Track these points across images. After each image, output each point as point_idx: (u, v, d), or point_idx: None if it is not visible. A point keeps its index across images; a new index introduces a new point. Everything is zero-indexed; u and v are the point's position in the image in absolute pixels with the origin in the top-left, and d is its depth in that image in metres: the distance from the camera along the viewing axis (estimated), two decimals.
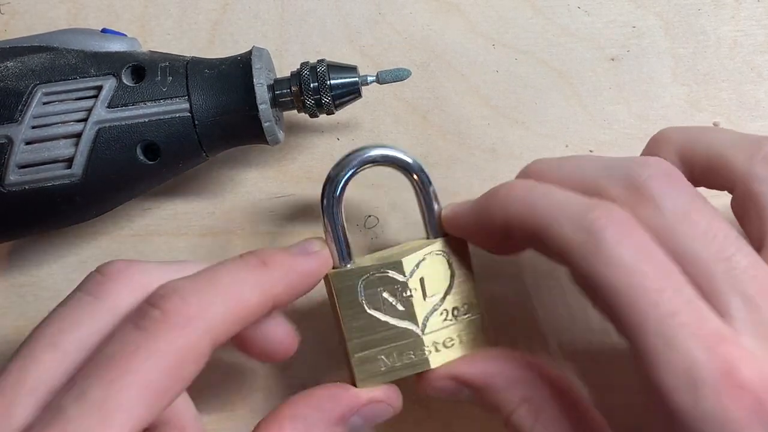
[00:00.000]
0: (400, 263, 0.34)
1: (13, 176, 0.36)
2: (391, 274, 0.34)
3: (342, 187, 0.34)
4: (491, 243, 0.34)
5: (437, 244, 0.35)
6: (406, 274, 0.35)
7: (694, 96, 0.42)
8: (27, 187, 0.36)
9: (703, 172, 0.33)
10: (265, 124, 0.37)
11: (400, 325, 0.34)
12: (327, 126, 0.42)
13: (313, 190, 0.42)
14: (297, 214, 0.42)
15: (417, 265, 0.35)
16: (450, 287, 0.35)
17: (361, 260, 0.35)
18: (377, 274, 0.34)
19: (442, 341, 0.35)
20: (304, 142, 0.42)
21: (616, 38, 0.42)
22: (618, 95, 0.42)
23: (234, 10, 0.43)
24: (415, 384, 0.35)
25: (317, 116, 0.39)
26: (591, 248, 0.28)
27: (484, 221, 0.33)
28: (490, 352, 0.35)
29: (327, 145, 0.42)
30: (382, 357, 0.34)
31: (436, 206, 0.35)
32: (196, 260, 0.33)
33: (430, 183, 0.35)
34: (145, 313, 0.28)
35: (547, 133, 0.42)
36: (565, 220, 0.29)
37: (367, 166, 0.35)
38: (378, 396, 0.34)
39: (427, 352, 0.35)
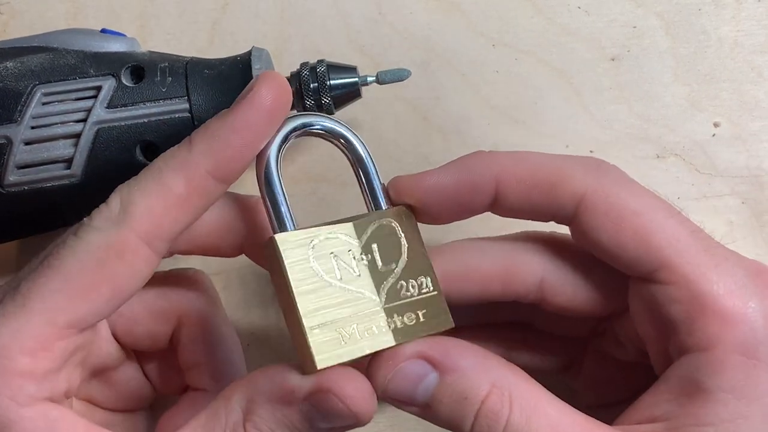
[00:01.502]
0: (351, 227, 0.32)
1: (12, 177, 0.36)
2: (343, 237, 0.31)
3: (276, 156, 0.32)
4: (458, 207, 0.33)
5: (386, 213, 0.33)
6: (358, 237, 0.32)
7: (694, 96, 0.42)
8: (26, 188, 0.36)
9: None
10: None
11: (358, 291, 0.31)
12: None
13: (312, 191, 0.42)
14: (296, 214, 0.41)
15: (367, 231, 0.32)
16: (404, 258, 0.32)
17: (305, 227, 0.32)
18: (328, 236, 0.31)
19: (403, 317, 0.31)
20: (304, 143, 0.42)
21: (616, 38, 0.42)
22: (618, 95, 0.42)
23: (234, 10, 0.43)
24: (369, 376, 0.30)
25: None
26: (612, 183, 0.31)
27: (466, 181, 0.32)
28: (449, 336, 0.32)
29: (327, 145, 0.42)
30: (341, 330, 0.30)
31: (375, 175, 0.33)
32: None
33: (367, 152, 0.33)
34: (79, 222, 0.30)
35: (547, 133, 0.42)
36: (575, 164, 0.31)
37: (289, 135, 0.32)
38: (327, 384, 0.29)
39: (389, 325, 0.31)
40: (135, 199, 0.30)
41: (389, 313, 0.31)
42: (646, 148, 0.42)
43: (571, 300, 0.34)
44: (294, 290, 0.30)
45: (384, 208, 0.33)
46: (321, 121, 0.33)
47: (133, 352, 0.36)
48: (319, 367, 0.29)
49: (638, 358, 0.34)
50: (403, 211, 0.33)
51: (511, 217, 0.33)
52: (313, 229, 0.31)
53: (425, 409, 0.30)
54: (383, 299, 0.31)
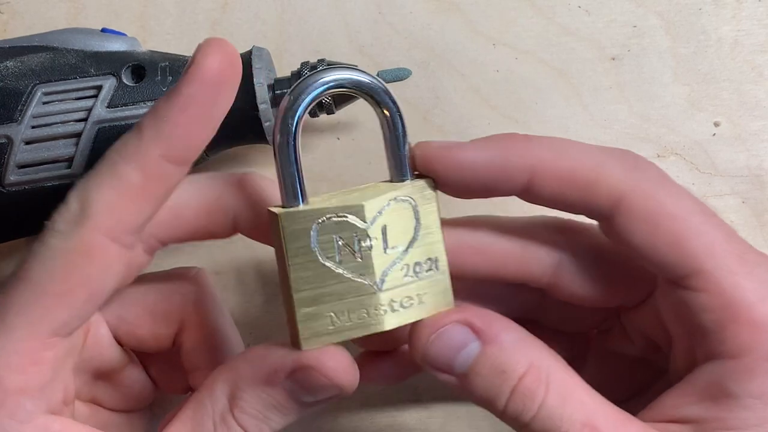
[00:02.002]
0: (362, 207, 0.30)
1: (13, 176, 0.36)
2: (351, 219, 0.30)
3: (299, 116, 0.30)
4: (485, 188, 0.31)
5: (405, 189, 0.31)
6: (368, 220, 0.30)
7: (694, 96, 0.42)
8: (27, 187, 0.36)
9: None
10: (266, 124, 0.37)
11: (355, 279, 0.30)
12: (327, 126, 0.42)
13: (313, 190, 0.41)
14: None
15: (380, 211, 0.30)
16: (414, 239, 0.31)
17: (317, 201, 0.31)
18: (335, 219, 0.30)
19: (400, 300, 0.31)
20: (304, 142, 0.42)
21: (616, 38, 0.42)
22: (619, 95, 0.42)
23: (234, 10, 0.43)
24: (409, 340, 0.31)
25: (317, 116, 0.39)
26: (651, 184, 0.30)
27: (500, 165, 0.30)
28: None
29: (327, 144, 0.42)
30: (332, 314, 0.30)
31: (405, 142, 0.31)
32: None
33: (399, 114, 0.31)
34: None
35: (547, 132, 0.42)
36: (614, 162, 0.30)
37: (323, 92, 0.30)
38: (307, 361, 0.29)
39: (382, 311, 0.30)
40: (92, 195, 0.29)
41: (386, 298, 0.30)
42: (647, 147, 0.42)
43: (583, 289, 0.33)
44: (290, 271, 0.29)
45: (407, 178, 0.31)
46: (350, 76, 0.30)
47: (137, 353, 0.36)
48: (303, 348, 0.30)
49: (645, 353, 0.34)
50: (424, 184, 0.31)
51: (538, 205, 0.32)
52: (320, 206, 0.30)
53: (461, 379, 0.30)
54: (382, 284, 0.30)
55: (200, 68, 0.28)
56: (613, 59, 0.42)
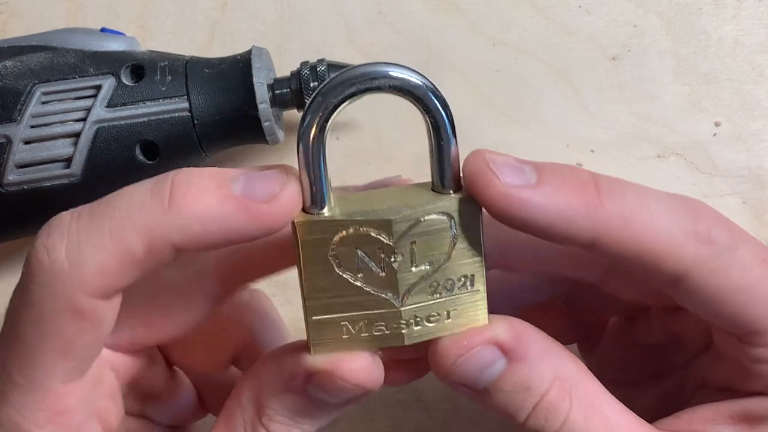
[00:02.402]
0: (389, 223, 0.27)
1: (12, 176, 0.35)
2: (375, 233, 0.27)
3: (328, 115, 0.27)
4: (544, 234, 0.27)
5: (445, 203, 0.27)
6: (394, 236, 0.27)
7: (695, 96, 0.42)
8: (26, 187, 0.36)
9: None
10: (265, 124, 0.37)
11: (375, 293, 0.28)
12: None
13: None
14: None
15: (411, 227, 0.27)
16: (448, 257, 0.28)
17: (341, 205, 0.28)
18: (357, 232, 0.27)
19: (425, 316, 0.28)
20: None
21: (616, 37, 0.42)
22: (619, 95, 0.42)
23: (233, 10, 0.43)
24: (430, 360, 0.29)
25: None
26: (720, 260, 0.28)
27: (562, 226, 0.27)
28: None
29: (327, 144, 0.42)
30: (346, 324, 0.28)
31: (453, 150, 0.27)
32: None
33: (449, 119, 0.27)
34: (21, 277, 0.27)
35: (547, 132, 0.42)
36: (685, 236, 0.27)
37: (361, 95, 0.27)
38: (322, 366, 0.28)
39: (403, 325, 0.28)
40: (85, 254, 0.26)
41: (408, 313, 0.28)
42: (647, 147, 0.42)
43: (636, 287, 0.32)
44: (304, 280, 0.28)
45: (450, 190, 0.28)
46: (399, 74, 0.26)
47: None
48: (312, 354, 0.28)
49: (664, 344, 0.34)
50: (470, 200, 0.27)
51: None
52: (342, 218, 0.27)
53: (482, 393, 0.29)
54: (405, 300, 0.28)
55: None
56: (614, 59, 0.42)
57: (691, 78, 0.42)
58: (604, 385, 0.30)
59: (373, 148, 0.42)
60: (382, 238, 0.27)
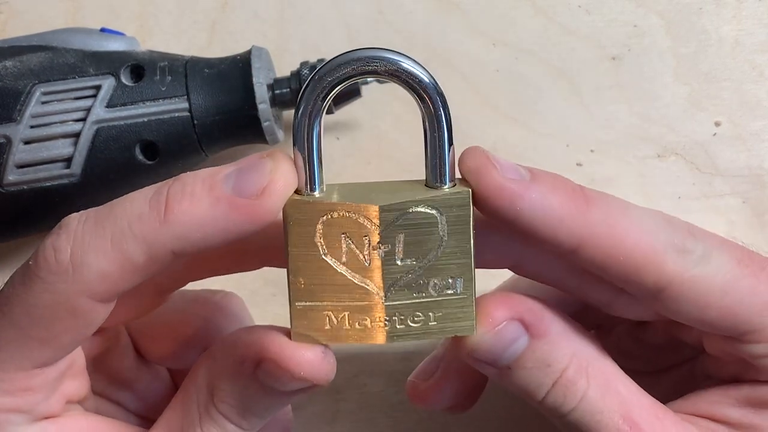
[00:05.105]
0: (377, 210, 0.27)
1: (11, 176, 0.36)
2: (362, 220, 0.27)
3: (325, 96, 0.27)
4: (528, 232, 0.28)
5: (436, 197, 0.27)
6: (381, 225, 0.27)
7: (695, 95, 0.42)
8: (26, 187, 0.36)
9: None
10: (265, 124, 0.37)
11: (357, 282, 0.28)
12: (327, 125, 0.42)
13: None
14: None
15: (398, 218, 0.27)
16: (435, 255, 0.28)
17: (332, 191, 0.28)
18: (344, 215, 0.27)
19: (409, 315, 0.28)
20: None
21: (617, 37, 0.42)
22: (619, 94, 0.42)
23: (233, 9, 0.43)
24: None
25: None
26: (701, 268, 0.29)
27: (550, 226, 0.27)
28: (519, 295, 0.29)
29: (327, 144, 0.41)
30: (330, 314, 0.28)
31: (449, 145, 0.27)
32: None
33: (446, 112, 0.27)
34: (27, 262, 0.28)
35: (547, 132, 0.42)
36: (666, 246, 0.28)
37: (356, 78, 0.27)
38: (270, 354, 0.28)
39: (384, 323, 0.28)
40: (88, 259, 0.27)
41: (391, 310, 0.28)
42: (647, 147, 0.42)
43: (642, 310, 0.32)
44: (290, 262, 0.28)
45: (444, 185, 0.28)
46: (389, 56, 0.27)
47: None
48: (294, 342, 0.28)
49: (668, 343, 0.34)
50: (462, 196, 0.27)
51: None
52: (331, 200, 0.27)
53: (503, 371, 0.29)
54: (388, 295, 0.28)
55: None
56: (614, 59, 0.42)
57: (692, 78, 0.42)
58: None
59: (373, 148, 0.42)
60: (369, 225, 0.27)
